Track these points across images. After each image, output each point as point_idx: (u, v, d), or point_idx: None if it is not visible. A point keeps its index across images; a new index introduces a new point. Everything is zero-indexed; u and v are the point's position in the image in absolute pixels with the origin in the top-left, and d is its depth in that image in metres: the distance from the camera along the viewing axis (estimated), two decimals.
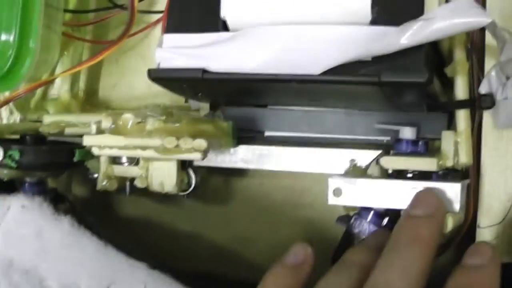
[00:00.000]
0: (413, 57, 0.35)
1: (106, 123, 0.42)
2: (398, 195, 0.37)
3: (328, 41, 0.36)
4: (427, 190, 0.36)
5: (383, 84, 0.35)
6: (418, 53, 0.35)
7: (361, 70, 0.35)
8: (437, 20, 0.34)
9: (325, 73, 0.36)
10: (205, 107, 0.47)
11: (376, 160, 0.41)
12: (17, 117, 0.52)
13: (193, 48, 0.39)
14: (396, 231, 0.33)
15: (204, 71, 0.38)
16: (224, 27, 0.39)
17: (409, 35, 0.34)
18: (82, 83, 0.53)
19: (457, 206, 0.36)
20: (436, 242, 0.33)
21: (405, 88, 0.35)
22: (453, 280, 0.32)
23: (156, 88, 0.42)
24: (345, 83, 0.36)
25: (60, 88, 0.52)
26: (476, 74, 0.39)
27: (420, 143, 0.40)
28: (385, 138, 0.43)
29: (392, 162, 0.39)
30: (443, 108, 0.40)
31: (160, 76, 0.40)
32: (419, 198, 0.35)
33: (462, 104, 0.39)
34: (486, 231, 0.40)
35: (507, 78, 0.37)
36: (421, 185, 0.36)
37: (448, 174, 0.40)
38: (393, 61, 0.35)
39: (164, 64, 0.40)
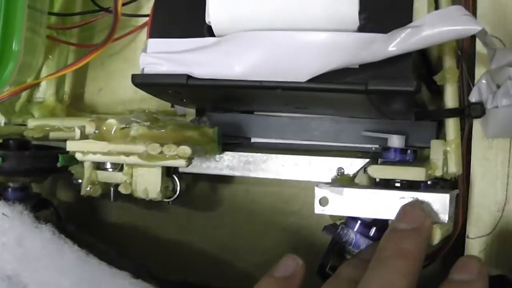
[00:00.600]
0: (401, 65, 0.34)
1: (90, 128, 0.42)
2: (386, 205, 0.36)
3: (314, 47, 0.35)
4: (413, 203, 0.35)
5: (370, 92, 0.34)
6: (406, 61, 0.34)
7: (348, 77, 0.35)
8: (425, 28, 0.33)
9: (311, 80, 0.35)
10: (191, 112, 0.46)
11: (364, 168, 0.40)
12: (1, 120, 0.52)
13: (178, 53, 0.39)
14: (382, 245, 0.33)
15: (188, 77, 0.38)
16: (210, 32, 0.38)
17: (397, 42, 0.33)
18: (67, 87, 0.52)
19: (445, 217, 0.35)
20: (422, 256, 0.32)
21: (392, 97, 0.35)
22: None
23: (143, 92, 0.41)
24: (332, 91, 0.35)
25: (45, 91, 0.52)
26: (466, 82, 0.39)
27: (408, 151, 0.39)
28: (373, 146, 0.42)
29: (380, 171, 0.38)
30: (432, 117, 0.40)
31: (144, 82, 0.39)
32: (405, 211, 0.35)
33: (451, 113, 0.38)
34: (475, 242, 0.39)
35: (498, 86, 0.37)
36: (409, 195, 0.36)
37: (437, 184, 0.39)
38: (380, 69, 0.34)
39: (149, 70, 0.39)
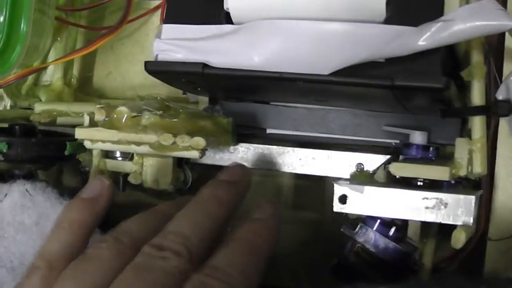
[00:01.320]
0: (429, 60, 0.32)
1: (99, 116, 0.40)
2: (407, 205, 0.35)
3: (338, 39, 0.33)
4: (240, 164, 0.38)
5: (396, 88, 0.33)
6: (435, 56, 0.32)
7: (373, 72, 0.33)
8: (457, 22, 0.31)
9: (334, 73, 0.33)
10: (204, 100, 0.45)
11: (384, 165, 0.39)
12: (7, 103, 0.50)
13: (194, 40, 0.37)
14: (199, 191, 0.35)
15: (204, 65, 0.36)
16: (228, 19, 0.37)
17: (427, 36, 0.32)
18: (75, 71, 0.50)
19: (470, 219, 0.34)
20: (231, 206, 0.34)
21: (419, 93, 0.33)
22: (241, 229, 0.33)
23: (153, 78, 0.39)
24: (356, 85, 0.33)
25: (52, 75, 0.50)
26: (494, 78, 0.37)
27: (431, 149, 0.38)
28: (394, 141, 0.41)
29: (402, 169, 0.36)
30: (458, 115, 0.38)
31: (157, 69, 0.38)
32: (228, 167, 0.37)
33: (478, 111, 0.36)
34: (496, 244, 0.38)
35: None
36: (432, 195, 0.34)
37: (460, 183, 0.38)
38: (408, 63, 0.33)
39: (162, 57, 0.38)
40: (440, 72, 0.32)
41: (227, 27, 0.37)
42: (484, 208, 0.37)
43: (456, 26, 0.31)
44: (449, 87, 0.32)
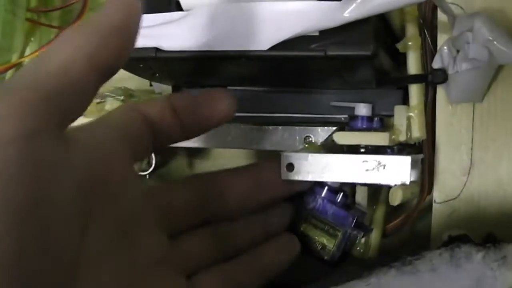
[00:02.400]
0: (359, 31, 0.35)
1: None
2: (350, 169, 0.37)
3: (275, 17, 0.36)
4: None
5: (329, 58, 0.35)
6: (364, 27, 0.35)
7: (309, 45, 0.35)
8: None
9: (272, 48, 0.36)
10: (167, 90, 0.47)
11: (332, 138, 0.41)
12: None
13: (147, 28, 0.40)
14: None
15: (157, 49, 0.39)
16: (178, 7, 0.39)
17: (352, 9, 0.34)
18: None
19: (406, 179, 0.36)
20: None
21: (351, 62, 0.35)
22: None
23: (122, 71, 0.42)
24: (293, 57, 0.36)
25: None
26: (429, 49, 0.39)
27: (375, 119, 0.40)
28: (343, 116, 0.43)
29: (345, 137, 0.39)
30: (394, 83, 0.40)
31: None
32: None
33: (413, 79, 0.39)
34: (442, 206, 0.40)
35: (458, 52, 0.37)
36: (371, 158, 0.37)
37: (403, 150, 0.40)
38: (339, 35, 0.35)
39: None
40: (368, 41, 0.34)
41: (176, 14, 0.39)
42: (428, 173, 0.39)
43: None
44: (377, 54, 0.34)
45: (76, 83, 0.29)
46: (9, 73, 0.52)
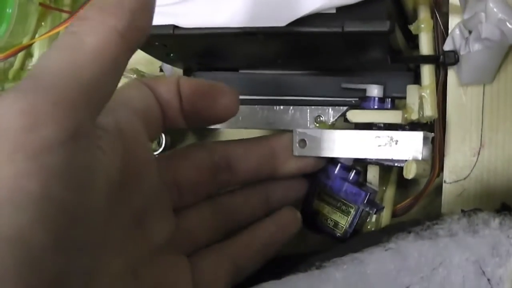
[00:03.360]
0: (375, 9, 0.35)
1: None
2: (362, 144, 0.38)
3: None
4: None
5: (346, 35, 0.36)
6: (380, 5, 0.36)
7: (325, 21, 0.36)
8: None
9: (290, 24, 0.36)
10: (178, 73, 0.48)
11: (344, 117, 0.41)
12: None
13: (165, 6, 0.40)
14: None
15: (175, 27, 0.39)
16: None
17: None
18: None
19: (418, 154, 0.37)
20: None
21: (368, 39, 0.36)
22: None
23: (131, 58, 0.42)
24: (310, 34, 0.36)
25: (38, 60, 0.53)
26: (441, 32, 0.40)
27: (387, 100, 0.41)
28: (354, 99, 0.43)
29: (358, 116, 0.40)
30: (408, 61, 0.41)
31: None
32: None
33: (426, 59, 0.39)
34: (451, 186, 0.40)
35: (470, 32, 0.38)
36: (384, 134, 0.37)
37: (415, 129, 0.40)
38: (356, 12, 0.36)
39: None
40: (385, 18, 0.35)
41: None
42: (438, 152, 0.40)
43: None
44: (393, 31, 0.35)
45: (112, 65, 0.27)
46: (17, 59, 0.53)
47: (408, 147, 0.37)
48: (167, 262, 0.35)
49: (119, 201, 0.29)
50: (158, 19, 0.40)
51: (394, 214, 0.42)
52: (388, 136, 0.37)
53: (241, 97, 0.46)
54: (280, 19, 0.37)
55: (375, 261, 0.32)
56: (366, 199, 0.39)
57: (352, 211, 0.40)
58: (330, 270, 0.33)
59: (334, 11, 0.36)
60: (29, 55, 0.54)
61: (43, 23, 0.52)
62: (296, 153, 0.39)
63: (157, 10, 0.40)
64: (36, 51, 0.53)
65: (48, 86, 0.25)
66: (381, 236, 0.33)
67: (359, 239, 0.37)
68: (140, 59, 0.46)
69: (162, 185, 0.35)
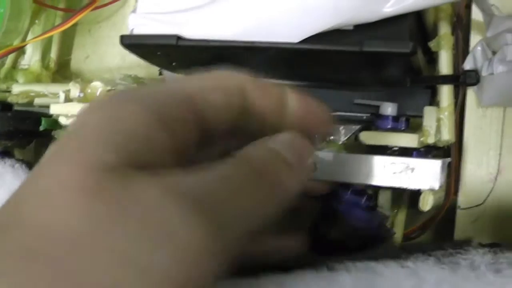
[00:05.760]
0: (397, 27, 0.33)
1: (75, 91, 0.41)
2: (376, 170, 0.36)
3: (308, 7, 0.34)
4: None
5: (365, 54, 0.33)
6: (402, 23, 0.33)
7: (342, 39, 0.34)
8: None
9: (304, 41, 0.34)
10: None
11: (355, 136, 0.39)
12: None
13: (168, 13, 0.38)
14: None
15: (178, 37, 0.37)
16: None
17: (392, 3, 0.32)
18: (53, 54, 0.51)
19: (436, 183, 0.35)
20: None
21: (388, 59, 0.34)
22: None
23: (130, 60, 0.40)
24: (325, 52, 0.34)
25: (30, 58, 0.50)
26: (461, 49, 0.38)
27: (401, 119, 0.39)
28: (365, 115, 0.41)
29: (372, 138, 0.37)
30: (427, 82, 0.39)
31: (133, 43, 0.38)
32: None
33: (446, 79, 0.37)
34: (466, 212, 0.38)
35: (493, 53, 0.36)
36: (399, 160, 0.35)
37: (430, 152, 0.38)
38: (376, 30, 0.33)
39: (138, 30, 0.38)
40: (407, 38, 0.33)
41: (201, 0, 0.37)
42: (454, 177, 0.38)
43: None
44: (415, 52, 0.33)
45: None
46: (9, 57, 0.50)
47: (425, 176, 0.35)
48: None
49: None
50: (161, 28, 0.37)
51: (405, 237, 0.40)
52: (404, 163, 0.35)
53: None
54: (293, 35, 0.34)
55: (389, 275, 0.30)
56: (376, 226, 0.37)
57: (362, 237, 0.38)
58: (340, 273, 0.31)
59: (351, 27, 0.34)
60: (22, 52, 0.51)
61: (37, 21, 0.49)
62: None
63: (160, 17, 0.38)
64: (29, 49, 0.50)
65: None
66: (400, 252, 0.31)
67: (377, 250, 0.35)
68: (139, 61, 0.43)
69: None
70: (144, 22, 0.38)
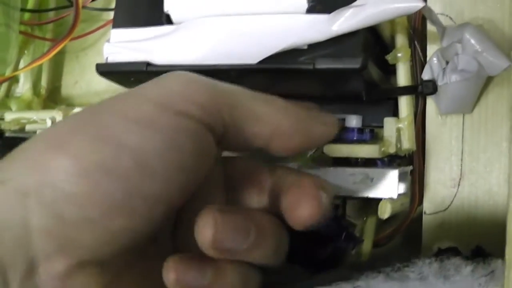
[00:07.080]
0: (347, 44, 0.35)
1: (58, 117, 0.43)
2: (337, 182, 0.37)
3: (264, 30, 0.36)
4: None
5: (318, 72, 0.35)
6: (352, 40, 0.35)
7: (297, 57, 0.36)
8: (368, 6, 0.34)
9: (262, 61, 0.36)
10: None
11: (322, 149, 0.41)
12: None
13: (138, 41, 0.40)
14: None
15: (148, 64, 0.39)
16: (168, 20, 0.40)
17: (340, 22, 0.34)
18: (44, 81, 0.53)
19: (394, 192, 0.36)
20: None
21: (340, 75, 0.36)
22: None
23: (100, 83, 0.42)
24: (282, 70, 0.36)
25: (23, 86, 0.53)
26: (419, 61, 0.39)
27: (365, 131, 0.40)
28: None
29: (336, 150, 0.39)
30: (384, 95, 0.40)
31: (107, 70, 0.41)
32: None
33: (403, 91, 0.39)
34: (431, 218, 0.40)
35: (447, 63, 0.38)
36: (359, 171, 0.37)
37: (394, 161, 0.40)
38: (328, 48, 0.35)
39: (112, 58, 0.41)
40: (357, 54, 0.35)
41: (167, 28, 0.39)
42: (418, 184, 0.39)
43: (366, 10, 0.34)
44: (365, 67, 0.35)
45: None
46: (3, 87, 0.53)
47: (383, 185, 0.36)
48: None
49: None
50: (132, 55, 0.40)
51: (375, 245, 0.41)
52: (363, 174, 0.37)
53: None
54: (252, 57, 0.36)
55: None
56: (344, 235, 0.39)
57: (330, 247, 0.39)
58: None
59: (305, 47, 0.36)
60: (15, 80, 0.54)
61: (26, 51, 0.52)
62: None
63: (131, 46, 0.40)
64: (22, 78, 0.53)
65: None
66: (351, 272, 0.32)
67: (329, 273, 0.37)
68: (107, 87, 0.46)
69: None
70: (117, 50, 0.40)
